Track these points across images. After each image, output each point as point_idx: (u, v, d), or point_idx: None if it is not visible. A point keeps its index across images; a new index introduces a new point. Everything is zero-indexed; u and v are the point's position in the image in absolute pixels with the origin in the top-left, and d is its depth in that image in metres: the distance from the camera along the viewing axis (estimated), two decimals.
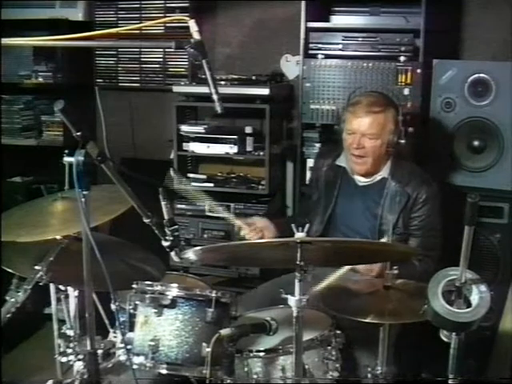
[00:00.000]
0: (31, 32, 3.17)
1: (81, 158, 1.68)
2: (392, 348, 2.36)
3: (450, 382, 1.72)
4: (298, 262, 1.84)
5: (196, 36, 1.70)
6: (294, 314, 1.86)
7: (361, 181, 2.70)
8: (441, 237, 2.63)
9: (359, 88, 2.89)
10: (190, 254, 1.94)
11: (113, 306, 1.97)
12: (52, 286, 2.41)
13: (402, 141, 2.60)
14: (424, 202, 2.60)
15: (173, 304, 1.98)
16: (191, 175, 3.64)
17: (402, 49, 3.18)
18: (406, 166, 2.69)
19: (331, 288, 2.30)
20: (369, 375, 2.20)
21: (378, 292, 2.12)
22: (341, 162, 2.74)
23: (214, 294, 1.98)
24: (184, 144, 3.57)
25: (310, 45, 3.33)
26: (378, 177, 2.66)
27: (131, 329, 2.04)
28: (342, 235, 2.69)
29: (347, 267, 2.26)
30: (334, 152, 2.79)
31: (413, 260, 2.53)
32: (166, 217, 1.93)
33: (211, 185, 3.58)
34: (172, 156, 3.61)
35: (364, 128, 2.55)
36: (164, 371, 1.96)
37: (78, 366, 2.17)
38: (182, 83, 3.61)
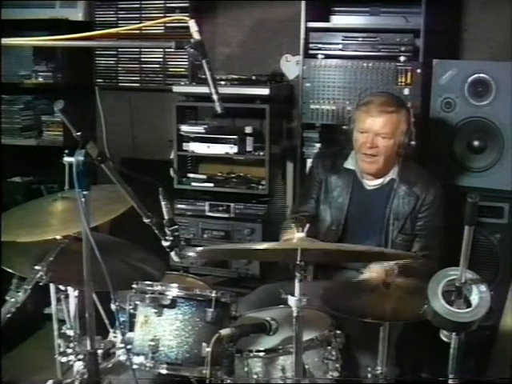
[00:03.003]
0: (31, 32, 3.17)
1: (81, 158, 1.68)
2: (393, 349, 2.37)
3: (450, 382, 1.72)
4: (297, 262, 1.85)
5: (196, 36, 1.71)
6: (294, 314, 1.86)
7: (369, 184, 2.68)
8: (443, 235, 2.65)
9: (367, 89, 2.87)
10: (191, 254, 1.94)
11: (113, 306, 1.97)
12: (52, 286, 2.41)
13: (413, 142, 2.60)
14: (431, 202, 2.62)
15: (173, 304, 1.98)
16: (191, 175, 3.64)
17: (402, 49, 3.18)
18: (413, 167, 2.69)
19: (331, 288, 2.31)
20: (369, 375, 2.20)
21: (378, 291, 2.12)
22: (349, 164, 2.72)
23: (213, 294, 1.98)
24: (184, 144, 3.57)
25: (310, 45, 3.32)
26: (387, 178, 2.66)
27: (131, 329, 2.04)
28: (351, 238, 2.68)
29: None
30: (340, 154, 2.76)
31: (413, 263, 2.53)
32: (165, 217, 1.93)
33: (211, 185, 3.58)
34: (172, 156, 3.61)
35: (377, 127, 2.55)
36: (164, 371, 1.96)
37: (78, 366, 2.17)
38: (182, 83, 3.62)
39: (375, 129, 2.55)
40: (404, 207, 2.62)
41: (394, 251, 2.38)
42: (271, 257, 2.21)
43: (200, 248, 1.96)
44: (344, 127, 2.72)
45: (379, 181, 2.67)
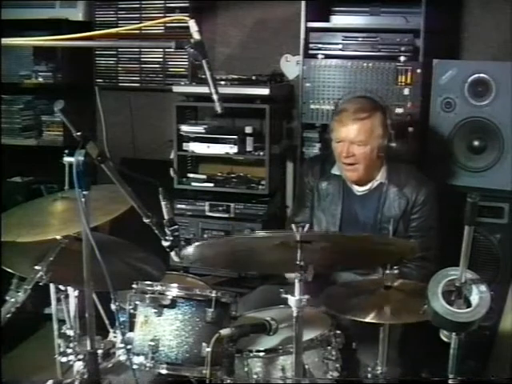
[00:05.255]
0: (31, 32, 3.17)
1: (81, 158, 1.68)
2: (394, 349, 2.37)
3: (449, 382, 1.72)
4: (297, 262, 1.84)
5: (196, 36, 1.71)
6: (294, 314, 1.86)
7: (359, 190, 2.67)
8: (438, 236, 2.63)
9: (344, 95, 2.83)
10: (190, 250, 1.94)
11: (113, 306, 1.96)
12: (52, 286, 2.41)
13: (393, 144, 2.58)
14: (423, 203, 2.60)
15: (173, 304, 1.98)
16: (191, 175, 3.65)
17: (402, 49, 3.18)
18: (402, 169, 2.67)
19: (331, 288, 2.30)
20: (369, 375, 2.20)
21: (378, 292, 2.12)
22: (337, 170, 2.70)
23: (213, 294, 1.98)
24: (184, 144, 3.58)
25: (310, 45, 3.33)
26: (375, 183, 2.64)
27: (131, 329, 2.04)
28: None
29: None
30: (328, 159, 2.74)
31: (410, 264, 2.52)
32: (165, 217, 1.93)
33: (211, 185, 3.59)
34: (172, 156, 3.61)
35: (352, 136, 2.52)
36: (164, 371, 1.96)
37: (78, 366, 2.17)
38: (182, 83, 3.62)
39: (350, 137, 2.53)
40: (395, 210, 2.60)
41: (393, 238, 2.38)
42: (271, 266, 2.19)
43: (197, 243, 1.96)
44: (326, 136, 2.70)
45: (367, 186, 2.65)
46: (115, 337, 2.14)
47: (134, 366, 1.95)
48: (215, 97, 1.74)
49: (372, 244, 2.08)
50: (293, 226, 1.89)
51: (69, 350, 2.21)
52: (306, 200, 2.78)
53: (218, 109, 1.75)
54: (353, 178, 2.63)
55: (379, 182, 2.64)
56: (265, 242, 1.98)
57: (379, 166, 2.63)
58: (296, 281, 1.86)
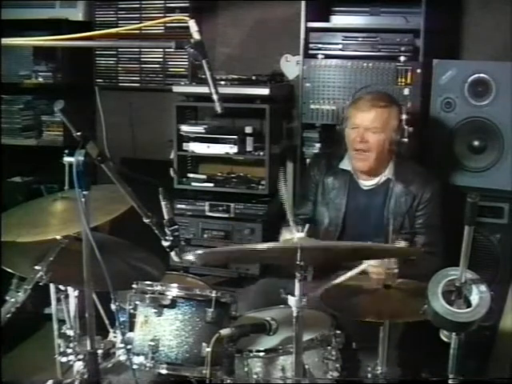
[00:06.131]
0: (31, 32, 3.17)
1: (81, 158, 1.68)
2: (394, 349, 2.36)
3: (449, 382, 1.72)
4: (297, 262, 1.84)
5: (196, 36, 1.71)
6: (294, 314, 1.86)
7: (366, 185, 2.69)
8: (443, 232, 2.65)
9: (364, 87, 2.89)
10: (191, 257, 1.94)
11: (113, 306, 1.97)
12: (52, 286, 2.41)
13: (405, 139, 2.61)
14: (428, 200, 2.63)
15: (173, 304, 1.98)
16: (191, 175, 3.65)
17: (402, 49, 3.18)
18: (409, 166, 2.70)
19: (331, 287, 2.30)
20: (369, 375, 2.20)
21: (379, 291, 2.12)
22: (344, 165, 2.72)
23: (213, 294, 1.98)
24: (184, 144, 3.58)
25: (310, 45, 3.33)
26: (382, 178, 2.67)
27: (131, 329, 2.04)
28: (349, 239, 2.67)
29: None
30: (336, 155, 2.77)
31: (416, 260, 2.53)
32: (165, 217, 1.93)
33: (211, 185, 3.59)
34: (172, 156, 3.61)
35: (368, 122, 2.57)
36: (164, 371, 1.96)
37: (78, 366, 2.17)
38: (182, 83, 3.62)
39: (365, 123, 2.58)
40: (401, 206, 2.63)
41: (395, 246, 2.38)
42: (271, 258, 2.20)
43: (199, 251, 1.95)
44: (337, 127, 2.73)
45: (375, 180, 2.68)
46: (115, 337, 2.15)
47: (134, 366, 1.95)
48: (215, 97, 1.74)
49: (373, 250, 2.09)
50: (291, 223, 1.89)
51: (69, 350, 2.22)
52: (309, 194, 2.80)
53: (218, 109, 1.75)
54: (364, 167, 2.65)
55: (387, 177, 2.66)
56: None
57: (388, 161, 2.66)
58: (296, 281, 1.86)
